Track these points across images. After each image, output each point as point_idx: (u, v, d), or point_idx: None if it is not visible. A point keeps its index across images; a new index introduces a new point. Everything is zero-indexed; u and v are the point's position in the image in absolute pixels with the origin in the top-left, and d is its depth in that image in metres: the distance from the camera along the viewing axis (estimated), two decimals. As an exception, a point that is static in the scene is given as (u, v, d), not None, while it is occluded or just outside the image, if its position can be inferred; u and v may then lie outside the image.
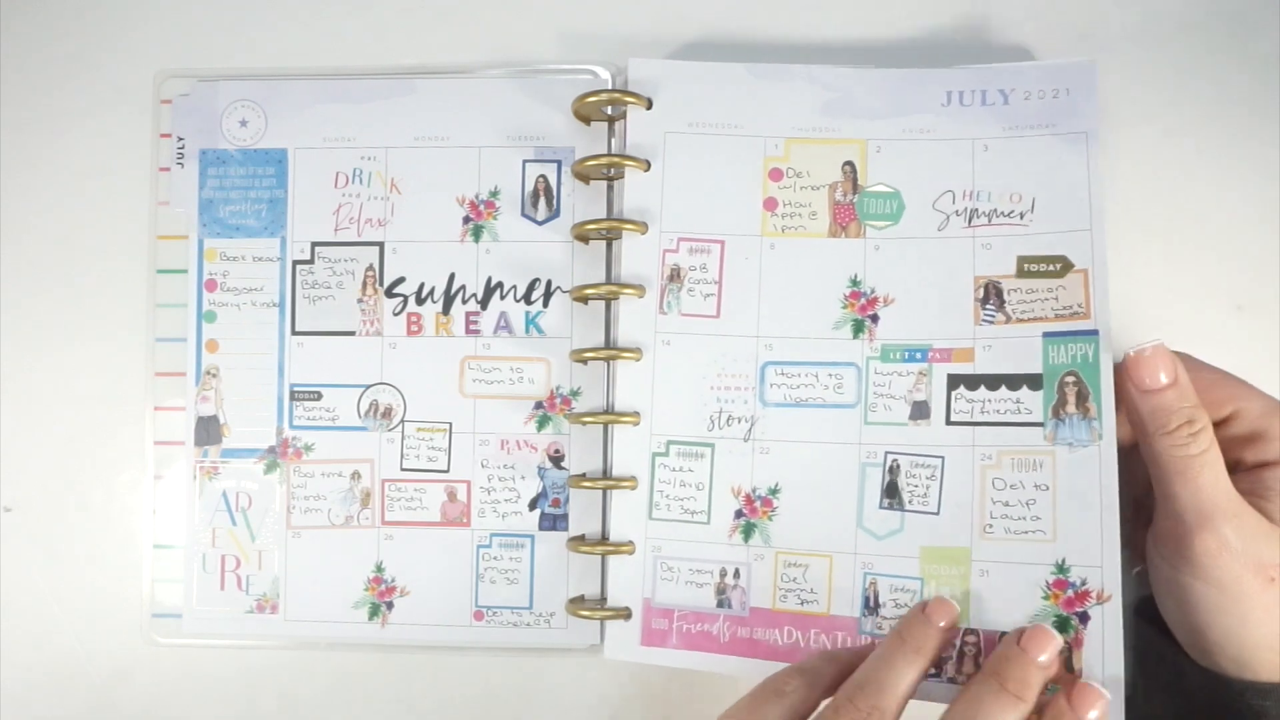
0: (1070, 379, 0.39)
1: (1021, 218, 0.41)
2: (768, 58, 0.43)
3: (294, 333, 0.45)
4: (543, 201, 0.44)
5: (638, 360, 0.42)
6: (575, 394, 0.44)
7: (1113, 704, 0.36)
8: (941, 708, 0.35)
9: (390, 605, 0.44)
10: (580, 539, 0.43)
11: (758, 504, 0.41)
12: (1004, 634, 0.38)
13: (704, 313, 0.42)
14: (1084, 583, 0.38)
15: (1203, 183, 0.44)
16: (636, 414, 0.42)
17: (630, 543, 0.41)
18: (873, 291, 0.41)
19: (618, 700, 0.44)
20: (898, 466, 0.40)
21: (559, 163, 0.44)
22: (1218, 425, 0.37)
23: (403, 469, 0.44)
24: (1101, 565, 0.38)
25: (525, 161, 0.44)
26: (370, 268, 0.45)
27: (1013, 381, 0.40)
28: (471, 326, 0.44)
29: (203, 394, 0.45)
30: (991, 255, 0.41)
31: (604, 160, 0.42)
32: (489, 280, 0.44)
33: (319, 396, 0.44)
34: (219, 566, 0.44)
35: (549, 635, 0.44)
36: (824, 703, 0.36)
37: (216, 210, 0.45)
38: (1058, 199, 0.41)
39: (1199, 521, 0.35)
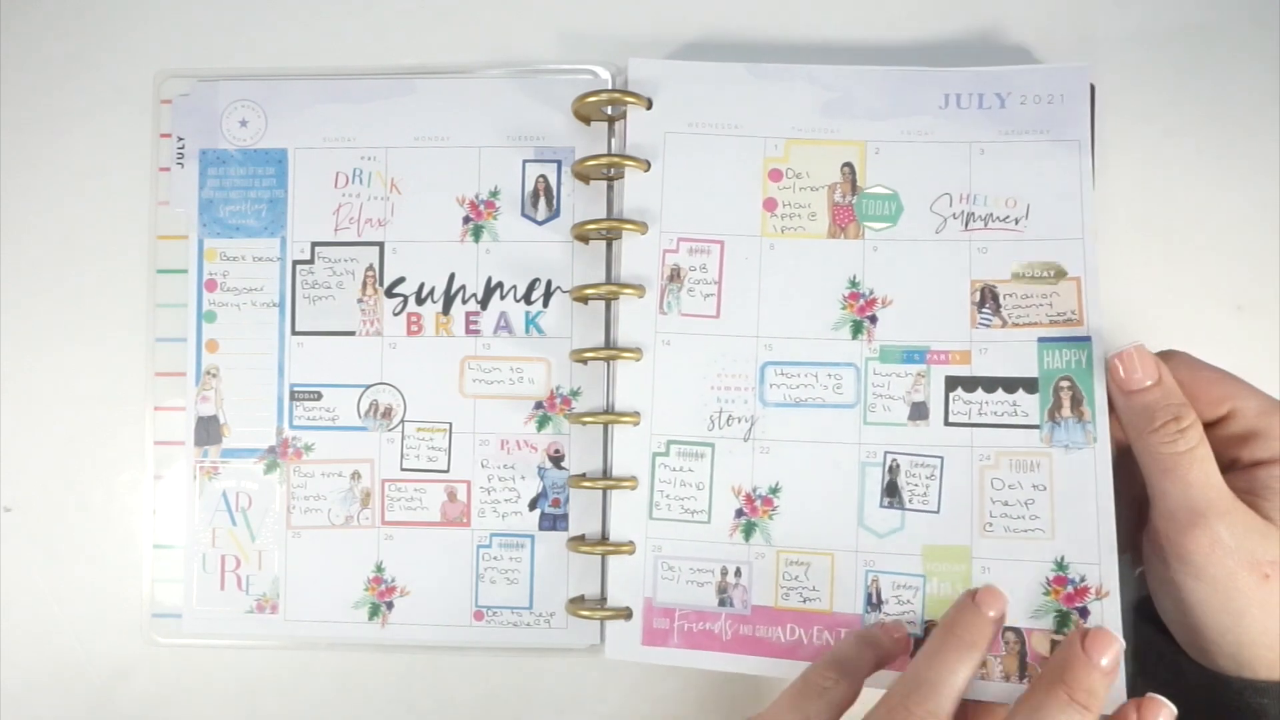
0: (1065, 384, 0.40)
1: (1016, 223, 0.41)
2: (768, 58, 0.43)
3: (294, 333, 0.45)
4: (543, 201, 0.44)
5: (638, 360, 0.42)
6: (575, 394, 0.44)
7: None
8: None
9: (390, 605, 0.44)
10: (580, 539, 0.43)
11: (758, 503, 0.41)
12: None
13: (704, 313, 0.42)
14: (1083, 579, 0.39)
15: (1203, 183, 0.44)
16: (637, 414, 0.42)
17: (631, 542, 0.42)
18: (871, 293, 0.42)
19: (617, 700, 0.44)
20: (897, 466, 0.41)
21: (559, 163, 0.44)
22: (1214, 424, 0.37)
23: (403, 469, 0.44)
24: (1099, 563, 0.38)
25: (525, 161, 0.45)
26: (370, 268, 0.45)
27: (1009, 385, 0.40)
28: (471, 326, 0.44)
29: (203, 394, 0.45)
30: (987, 259, 0.41)
31: (604, 160, 0.42)
32: (489, 280, 0.44)
33: (319, 396, 0.45)
34: (219, 566, 0.44)
35: (549, 635, 0.44)
36: (876, 697, 0.35)
37: (216, 210, 0.45)
38: (1051, 206, 0.41)
39: (1191, 519, 0.35)
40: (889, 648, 0.38)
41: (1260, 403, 0.37)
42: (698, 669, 0.41)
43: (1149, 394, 0.37)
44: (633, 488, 0.42)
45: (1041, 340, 0.40)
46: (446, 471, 0.44)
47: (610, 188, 0.44)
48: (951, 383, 0.41)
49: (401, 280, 0.45)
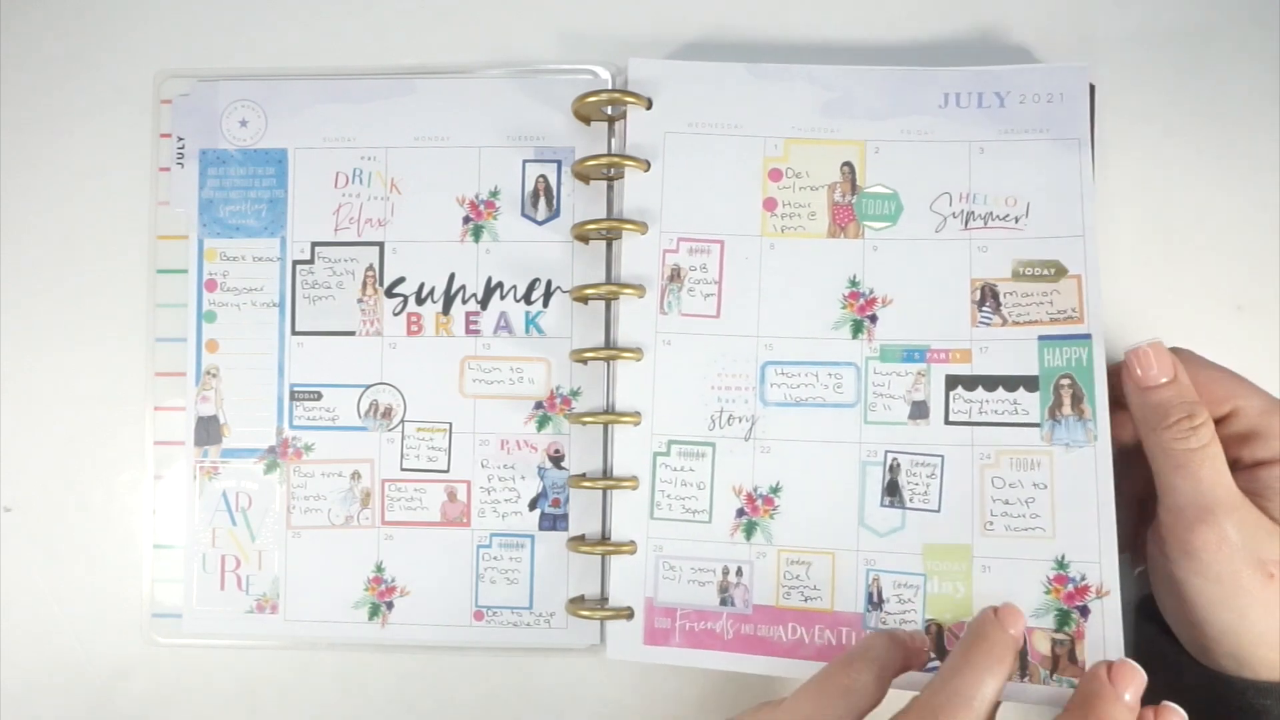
0: (1065, 381, 0.40)
1: (1016, 221, 0.41)
2: (768, 58, 0.43)
3: (294, 333, 0.45)
4: (543, 201, 0.44)
5: (638, 360, 0.42)
6: (575, 394, 0.44)
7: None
8: None
9: (390, 605, 0.44)
10: (580, 539, 0.43)
11: (759, 503, 0.41)
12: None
13: (704, 313, 0.42)
14: (1083, 578, 0.39)
15: (1203, 183, 0.44)
16: (637, 414, 0.42)
17: (631, 542, 0.42)
18: (871, 292, 0.42)
19: (618, 700, 0.44)
20: (898, 465, 0.41)
21: (559, 163, 0.44)
22: (1217, 423, 0.37)
23: (403, 469, 0.44)
24: (1100, 561, 0.38)
25: (525, 161, 0.45)
26: (370, 268, 0.45)
27: (1010, 383, 0.40)
28: (471, 326, 0.44)
29: (203, 394, 0.45)
30: (988, 258, 0.41)
31: (604, 160, 0.42)
32: (489, 280, 0.44)
33: (319, 396, 0.44)
34: (219, 566, 0.44)
35: (549, 635, 0.44)
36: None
37: (216, 210, 0.45)
38: (1051, 204, 0.41)
39: (1198, 515, 0.35)
40: (914, 652, 0.36)
41: (1263, 402, 0.37)
42: (698, 669, 0.41)
43: (1164, 391, 0.37)
44: (633, 488, 0.42)
45: (1042, 338, 0.40)
46: (446, 471, 0.44)
47: (610, 188, 0.44)
48: (952, 381, 0.41)
49: (401, 280, 0.45)
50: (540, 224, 0.44)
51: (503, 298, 0.44)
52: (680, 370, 0.42)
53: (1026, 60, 0.44)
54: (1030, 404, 0.40)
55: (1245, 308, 0.44)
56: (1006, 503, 0.40)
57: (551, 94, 0.44)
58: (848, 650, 0.35)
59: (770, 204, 0.42)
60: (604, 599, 0.42)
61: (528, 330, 0.44)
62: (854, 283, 0.42)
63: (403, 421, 0.44)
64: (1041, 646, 0.39)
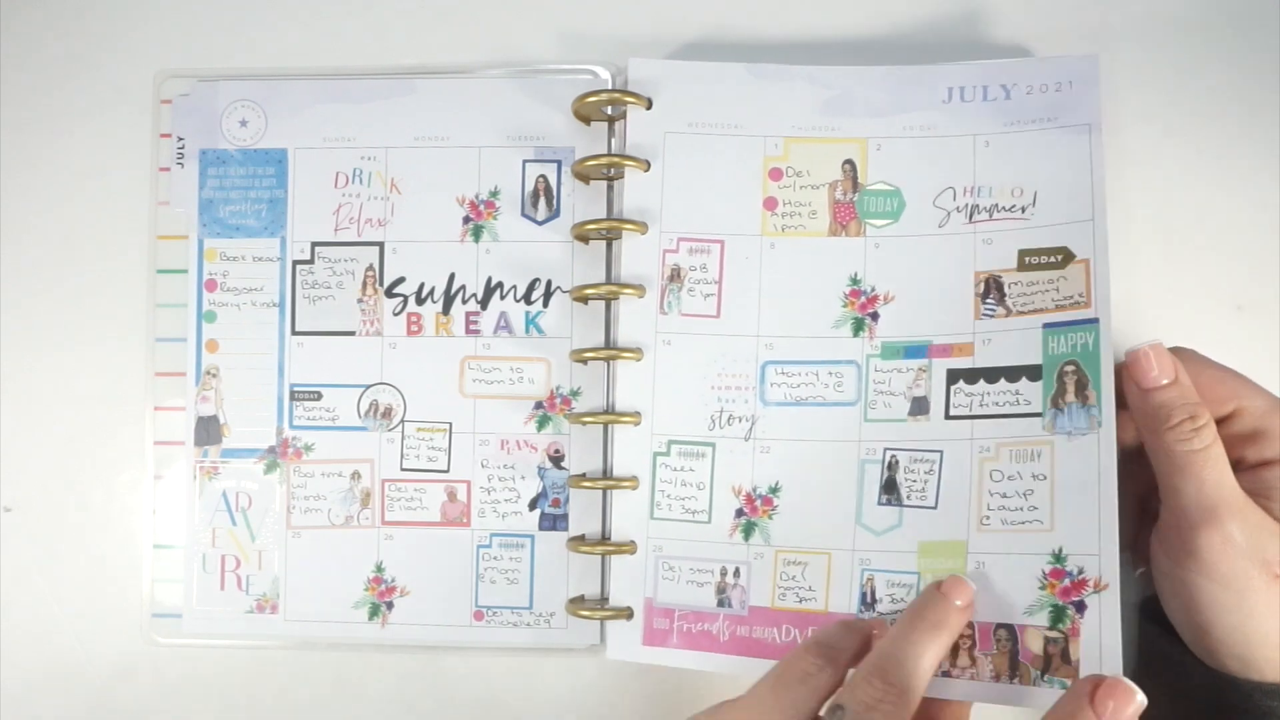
0: (1070, 368, 0.39)
1: (1023, 211, 0.41)
2: (768, 58, 0.43)
3: (294, 333, 0.45)
4: (543, 201, 0.44)
5: (638, 360, 0.42)
6: (575, 394, 0.44)
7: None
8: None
9: (390, 605, 0.44)
10: (580, 539, 0.43)
11: (758, 503, 0.41)
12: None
13: (704, 312, 0.42)
14: (1081, 571, 0.37)
15: (1203, 182, 0.44)
16: (637, 414, 0.42)
17: (631, 542, 0.41)
18: (873, 290, 0.41)
19: (617, 700, 0.44)
20: (896, 462, 0.40)
21: (559, 163, 0.44)
22: (1219, 423, 0.37)
23: (403, 469, 0.44)
24: (1099, 553, 0.37)
25: (525, 161, 0.44)
26: (370, 268, 0.45)
27: (1012, 373, 0.40)
28: (471, 326, 0.44)
29: (203, 394, 0.45)
30: (992, 250, 0.41)
31: (604, 160, 0.42)
32: (489, 280, 0.44)
33: (319, 396, 0.44)
34: (219, 566, 0.44)
35: (549, 635, 0.44)
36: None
37: (216, 210, 0.45)
38: (1060, 191, 0.40)
39: (1203, 517, 0.35)
40: (870, 638, 0.37)
41: (1266, 402, 0.37)
42: (696, 670, 0.41)
43: (1166, 392, 0.36)
44: (633, 488, 0.42)
45: (1047, 326, 0.39)
46: (446, 471, 0.44)
47: (610, 188, 0.44)
48: (953, 375, 0.40)
49: (401, 280, 0.45)
50: (540, 224, 0.44)
51: (503, 298, 0.44)
52: (680, 370, 0.42)
53: (1027, 58, 0.44)
54: (1032, 393, 0.39)
55: (1245, 308, 0.44)
56: (1004, 496, 0.39)
57: (551, 94, 0.44)
58: (803, 640, 0.37)
59: (770, 203, 0.42)
60: (604, 599, 0.42)
61: (528, 330, 0.44)
62: (855, 280, 0.42)
63: (403, 421, 0.44)
64: (1034, 645, 0.37)
